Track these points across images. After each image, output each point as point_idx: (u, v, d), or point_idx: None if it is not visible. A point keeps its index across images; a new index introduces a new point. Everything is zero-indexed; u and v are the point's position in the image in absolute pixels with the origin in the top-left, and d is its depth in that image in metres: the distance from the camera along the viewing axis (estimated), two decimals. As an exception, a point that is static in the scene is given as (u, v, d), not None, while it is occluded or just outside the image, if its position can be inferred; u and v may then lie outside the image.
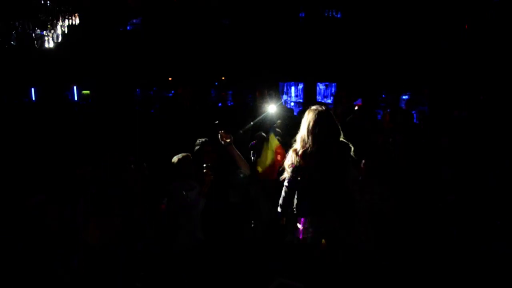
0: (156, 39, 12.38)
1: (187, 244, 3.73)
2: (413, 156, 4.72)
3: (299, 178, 3.24)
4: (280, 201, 3.41)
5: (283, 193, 3.38)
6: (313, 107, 3.32)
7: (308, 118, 3.24)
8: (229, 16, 11.73)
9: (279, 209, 3.46)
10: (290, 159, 3.26)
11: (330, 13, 11.33)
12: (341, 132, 3.28)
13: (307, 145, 3.19)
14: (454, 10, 9.23)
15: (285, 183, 3.33)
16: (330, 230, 3.33)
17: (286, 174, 3.29)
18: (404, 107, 8.21)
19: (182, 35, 12.10)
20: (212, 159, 4.12)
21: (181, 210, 3.65)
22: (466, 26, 9.40)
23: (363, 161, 4.20)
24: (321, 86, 12.51)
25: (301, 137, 3.25)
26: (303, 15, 11.63)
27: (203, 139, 4.28)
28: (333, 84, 12.26)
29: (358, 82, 10.36)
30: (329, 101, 11.77)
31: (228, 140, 4.06)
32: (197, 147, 4.18)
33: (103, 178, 2.89)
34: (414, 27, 9.85)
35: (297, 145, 3.28)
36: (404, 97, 9.78)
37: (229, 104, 10.73)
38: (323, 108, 3.34)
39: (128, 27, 12.94)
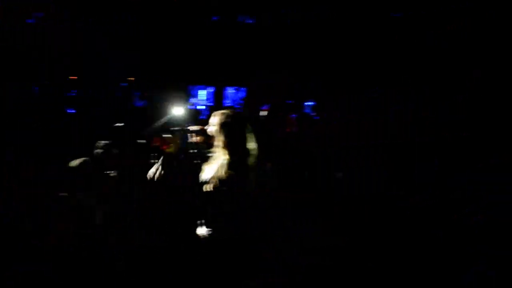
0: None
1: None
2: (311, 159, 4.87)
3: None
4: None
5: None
6: (224, 111, 3.23)
7: (230, 124, 3.12)
8: (138, 16, 11.34)
9: None
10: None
11: (243, 18, 11.44)
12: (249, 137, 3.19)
13: (241, 152, 3.08)
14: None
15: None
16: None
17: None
18: (308, 113, 8.56)
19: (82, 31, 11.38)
20: (118, 164, 3.85)
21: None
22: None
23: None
24: (230, 91, 12.59)
25: (232, 143, 3.09)
26: (215, 19, 11.63)
27: (107, 141, 3.99)
28: (243, 88, 12.40)
29: (268, 87, 10.57)
30: (239, 106, 11.88)
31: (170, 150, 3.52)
32: (99, 150, 3.89)
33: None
34: (323, 34, 10.21)
35: (228, 152, 3.08)
36: (308, 103, 10.20)
37: (137, 105, 10.37)
38: (234, 111, 3.33)
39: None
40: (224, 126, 3.11)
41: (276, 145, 5.26)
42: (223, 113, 3.19)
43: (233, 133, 3.10)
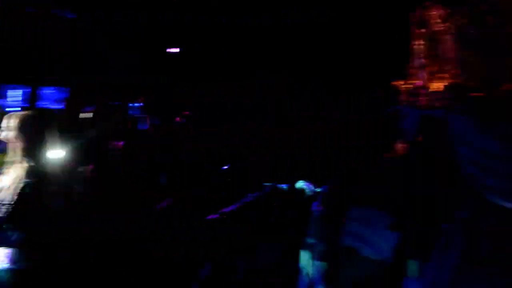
0: None
1: None
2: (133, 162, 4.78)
3: None
4: None
5: None
6: (22, 112, 3.03)
7: (29, 127, 2.88)
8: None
9: None
10: None
11: (62, 12, 10.31)
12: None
13: (41, 158, 2.87)
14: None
15: None
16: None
17: None
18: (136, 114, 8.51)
19: None
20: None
21: None
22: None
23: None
24: (48, 91, 11.38)
25: (30, 149, 2.86)
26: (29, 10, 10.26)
27: None
28: (65, 88, 11.17)
29: (92, 87, 9.90)
30: (60, 106, 10.60)
31: None
32: None
33: None
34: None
35: (26, 158, 2.84)
36: (135, 104, 9.98)
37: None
38: (34, 112, 3.19)
39: None
40: (21, 130, 2.84)
41: (102, 148, 5.10)
42: (20, 115, 2.94)
43: (32, 137, 2.86)
